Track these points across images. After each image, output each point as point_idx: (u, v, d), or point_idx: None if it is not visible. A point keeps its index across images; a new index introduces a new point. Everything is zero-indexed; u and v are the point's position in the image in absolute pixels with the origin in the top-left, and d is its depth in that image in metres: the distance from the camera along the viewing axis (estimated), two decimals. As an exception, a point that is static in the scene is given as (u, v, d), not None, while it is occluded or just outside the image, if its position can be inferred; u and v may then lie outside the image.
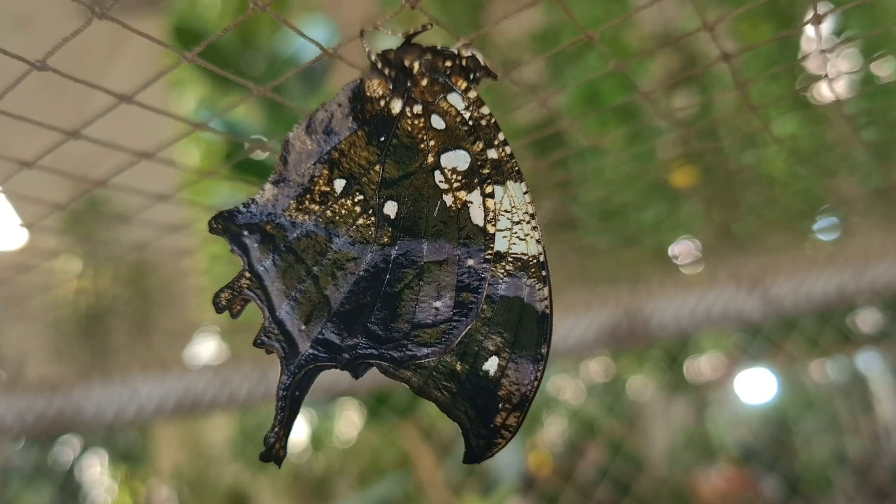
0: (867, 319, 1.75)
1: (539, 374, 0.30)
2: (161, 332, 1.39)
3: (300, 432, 1.99)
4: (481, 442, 0.30)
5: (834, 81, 0.53)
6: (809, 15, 0.39)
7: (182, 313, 1.38)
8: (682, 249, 1.21)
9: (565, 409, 1.92)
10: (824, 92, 0.91)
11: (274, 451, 0.30)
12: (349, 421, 1.95)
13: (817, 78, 0.87)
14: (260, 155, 0.90)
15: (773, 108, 0.87)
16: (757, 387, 2.06)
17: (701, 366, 2.02)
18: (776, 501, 1.81)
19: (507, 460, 1.71)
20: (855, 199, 1.07)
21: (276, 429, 0.30)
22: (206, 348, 1.40)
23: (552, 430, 1.92)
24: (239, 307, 0.31)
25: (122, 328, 1.37)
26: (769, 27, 1.14)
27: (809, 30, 0.86)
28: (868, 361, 2.03)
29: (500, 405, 0.30)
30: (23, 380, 0.81)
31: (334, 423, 1.96)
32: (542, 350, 0.30)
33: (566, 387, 1.95)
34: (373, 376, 0.31)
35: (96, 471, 1.88)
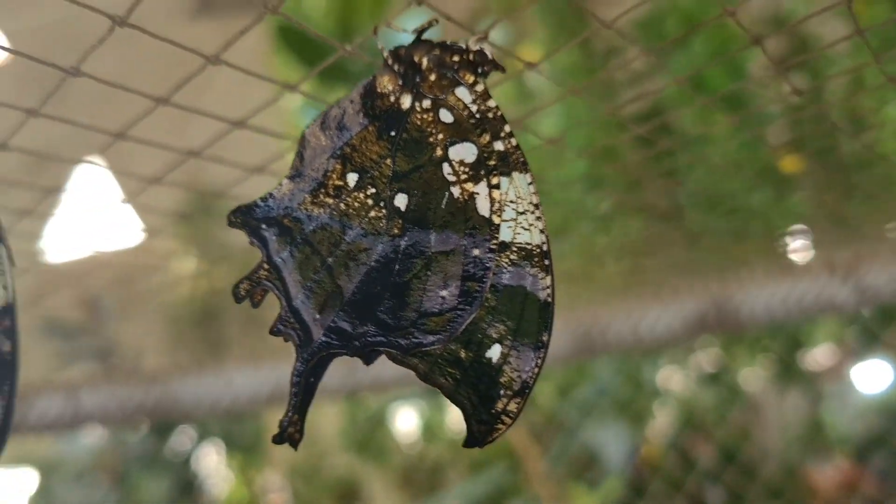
0: None
1: (540, 361, 0.31)
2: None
3: (411, 424, 2.02)
4: (483, 427, 0.31)
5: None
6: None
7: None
8: (794, 238, 1.17)
9: (675, 401, 1.88)
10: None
11: (287, 433, 0.32)
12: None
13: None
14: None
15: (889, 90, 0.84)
16: (875, 377, 1.96)
17: (816, 356, 1.94)
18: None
19: (618, 453, 1.68)
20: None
21: (290, 413, 0.32)
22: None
23: (662, 422, 1.88)
24: (259, 297, 0.33)
25: (235, 321, 1.42)
26: (887, 6, 1.09)
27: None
28: None
29: (502, 392, 0.31)
30: (135, 370, 0.86)
31: (445, 414, 1.97)
32: (544, 338, 0.31)
33: (675, 378, 1.91)
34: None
35: (212, 460, 1.95)
